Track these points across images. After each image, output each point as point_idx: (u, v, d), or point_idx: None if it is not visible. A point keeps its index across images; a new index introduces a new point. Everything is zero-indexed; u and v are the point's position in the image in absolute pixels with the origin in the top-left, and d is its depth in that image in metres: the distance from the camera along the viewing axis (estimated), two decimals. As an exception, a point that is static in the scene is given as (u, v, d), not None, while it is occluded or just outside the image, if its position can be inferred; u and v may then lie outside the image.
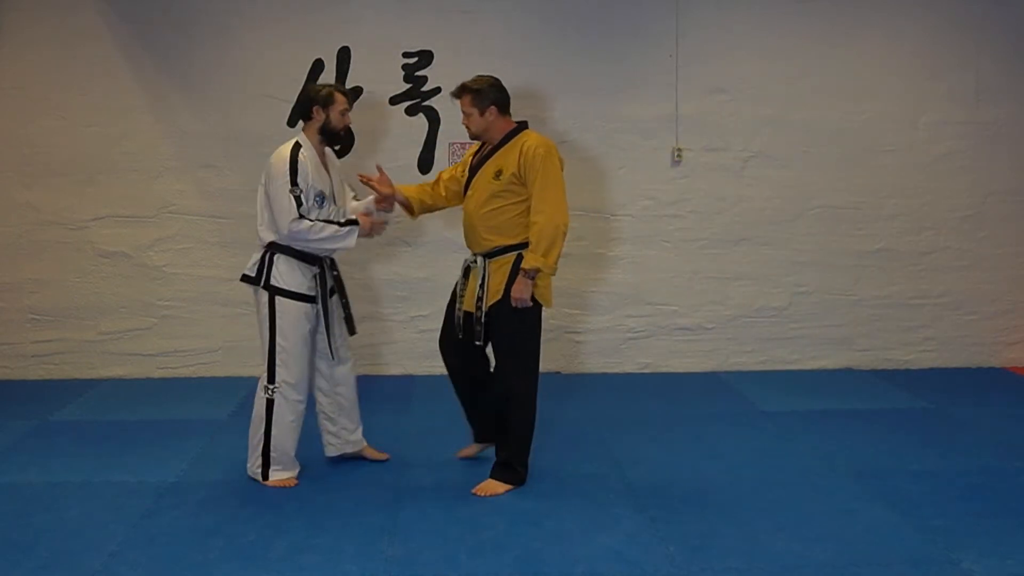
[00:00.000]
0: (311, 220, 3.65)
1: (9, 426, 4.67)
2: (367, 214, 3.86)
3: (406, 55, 5.56)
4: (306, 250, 3.74)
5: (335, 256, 3.89)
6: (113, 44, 5.50)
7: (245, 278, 3.80)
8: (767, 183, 5.77)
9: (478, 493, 3.69)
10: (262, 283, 3.74)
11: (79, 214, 5.59)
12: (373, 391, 5.28)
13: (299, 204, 3.63)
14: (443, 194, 3.93)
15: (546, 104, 5.64)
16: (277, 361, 3.75)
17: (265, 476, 3.82)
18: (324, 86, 3.84)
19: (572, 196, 5.60)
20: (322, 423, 4.04)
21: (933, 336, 5.95)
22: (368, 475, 3.96)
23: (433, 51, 5.57)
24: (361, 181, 3.85)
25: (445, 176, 3.95)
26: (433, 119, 5.58)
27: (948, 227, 5.87)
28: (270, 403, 3.77)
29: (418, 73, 5.58)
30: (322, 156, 3.83)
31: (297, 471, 3.88)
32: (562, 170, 3.73)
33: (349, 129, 3.97)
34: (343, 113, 3.79)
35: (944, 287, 5.91)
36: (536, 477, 3.84)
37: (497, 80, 3.74)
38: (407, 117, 5.58)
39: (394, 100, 5.57)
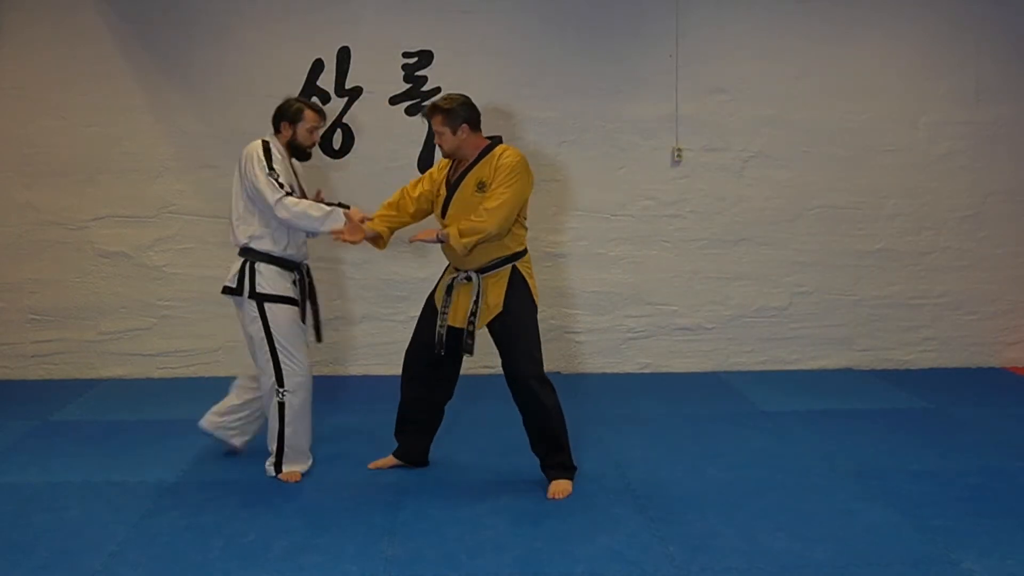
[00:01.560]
0: (295, 197, 3.71)
1: (9, 426, 4.67)
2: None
3: (406, 55, 5.56)
4: (286, 255, 3.81)
5: (309, 263, 3.98)
6: (113, 44, 5.50)
7: (227, 290, 3.81)
8: (767, 183, 5.77)
9: (557, 496, 3.68)
10: (247, 293, 3.76)
11: (79, 214, 5.59)
12: (372, 391, 5.28)
13: (280, 186, 3.68)
14: (411, 211, 3.86)
15: (546, 104, 5.63)
16: (282, 363, 3.79)
17: (278, 470, 3.90)
18: (296, 102, 3.85)
19: (572, 196, 5.67)
20: (235, 415, 4.09)
21: (933, 336, 5.95)
22: (368, 475, 3.97)
23: (433, 51, 5.57)
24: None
25: (414, 193, 3.84)
26: (433, 119, 5.58)
27: (948, 227, 5.87)
28: (281, 406, 3.83)
29: (418, 73, 5.58)
30: (290, 165, 3.89)
31: (308, 464, 3.95)
32: (531, 186, 3.75)
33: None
34: (311, 131, 3.83)
35: (944, 287, 5.91)
36: (536, 477, 3.84)
37: (468, 98, 3.72)
38: (407, 117, 5.58)
39: (394, 100, 5.57)
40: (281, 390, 3.81)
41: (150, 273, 5.66)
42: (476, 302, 3.71)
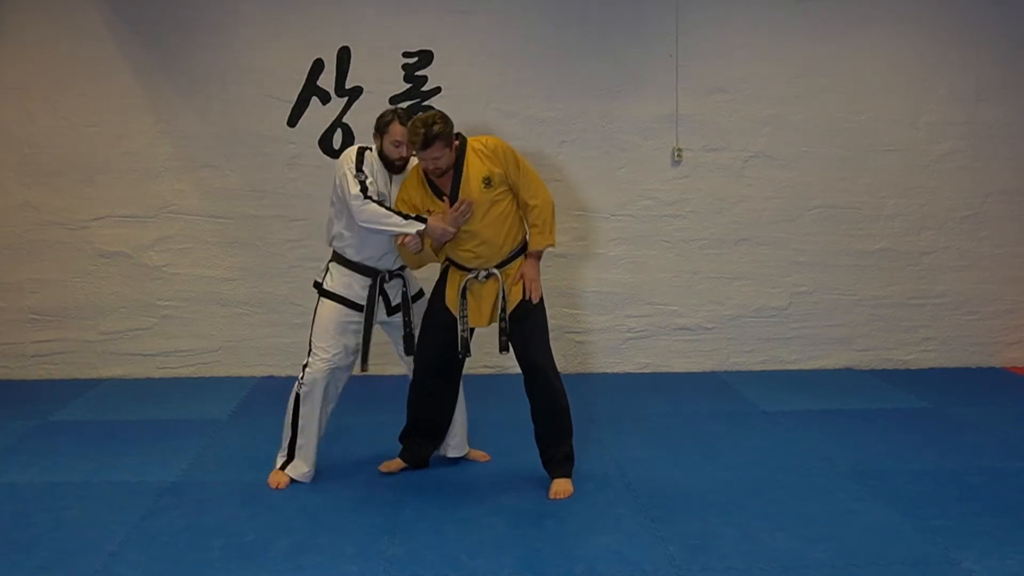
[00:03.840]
0: (377, 202, 3.65)
1: (9, 426, 4.67)
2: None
3: (406, 55, 5.57)
4: (369, 262, 3.79)
5: (407, 275, 3.94)
6: (113, 44, 5.50)
7: (315, 284, 3.90)
8: (767, 183, 5.77)
9: (559, 497, 3.67)
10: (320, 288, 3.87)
11: (79, 214, 5.59)
12: (373, 391, 5.28)
13: (364, 188, 3.64)
14: None
15: (546, 104, 5.64)
16: (309, 358, 3.81)
17: (283, 467, 3.87)
18: (391, 112, 3.73)
19: (572, 196, 5.68)
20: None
21: (933, 336, 5.95)
22: (368, 475, 3.97)
23: (433, 51, 5.57)
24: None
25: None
26: (433, 119, 5.58)
27: (948, 227, 5.87)
28: (297, 398, 3.82)
29: (418, 73, 5.58)
30: (387, 175, 3.81)
31: (306, 472, 3.87)
32: None
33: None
34: (396, 145, 3.69)
35: (944, 287, 5.91)
36: (536, 477, 3.84)
37: (443, 112, 3.59)
38: (407, 117, 5.58)
39: (394, 100, 5.56)
40: (300, 381, 3.81)
41: (150, 273, 5.66)
42: (504, 298, 3.70)
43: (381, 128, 3.74)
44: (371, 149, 3.79)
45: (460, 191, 3.63)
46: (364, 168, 3.69)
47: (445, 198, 3.65)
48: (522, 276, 3.72)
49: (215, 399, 5.19)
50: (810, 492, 3.75)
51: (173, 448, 4.31)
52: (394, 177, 3.85)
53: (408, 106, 5.56)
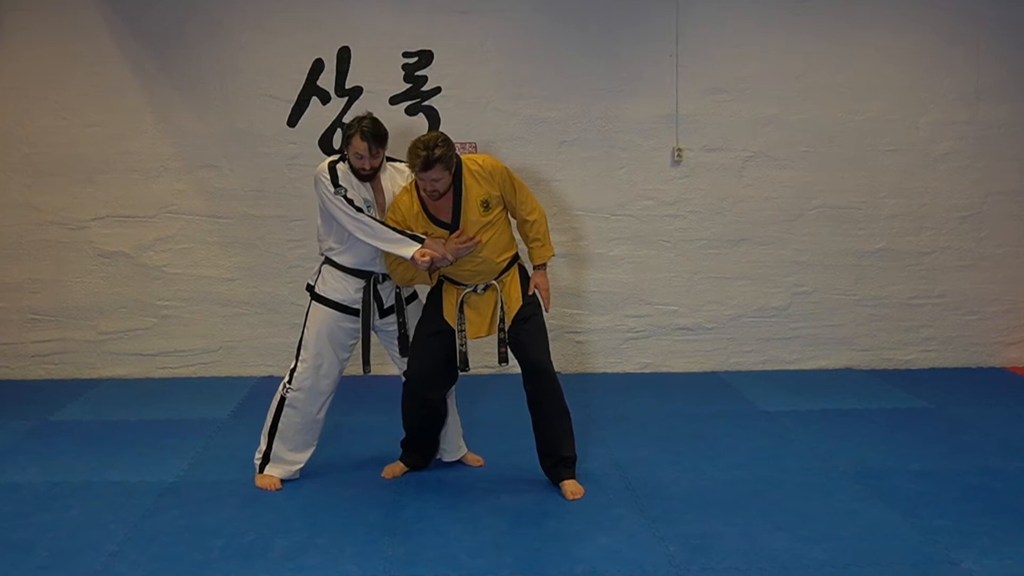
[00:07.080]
0: (372, 217, 3.64)
1: (9, 426, 4.67)
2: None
3: (406, 55, 5.57)
4: (362, 267, 3.76)
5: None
6: (113, 44, 5.50)
7: (308, 287, 3.88)
8: (767, 183, 5.77)
9: (576, 497, 3.67)
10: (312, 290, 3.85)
11: (79, 214, 5.59)
12: (373, 391, 5.28)
13: (349, 202, 3.63)
14: None
15: (546, 104, 5.64)
16: (300, 360, 3.79)
17: (261, 469, 3.85)
18: (355, 122, 3.66)
19: (572, 196, 5.68)
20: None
21: (933, 336, 5.95)
22: (368, 475, 3.97)
23: (433, 51, 5.57)
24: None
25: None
26: (433, 119, 5.58)
27: (948, 227, 5.87)
28: (282, 401, 3.81)
29: (418, 73, 5.58)
30: (374, 183, 3.77)
31: (294, 469, 3.86)
32: None
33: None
34: (358, 158, 3.65)
35: (944, 287, 5.91)
36: (535, 477, 3.84)
37: (445, 134, 3.56)
38: (407, 117, 5.58)
39: (394, 100, 5.57)
40: (288, 385, 3.79)
41: (150, 273, 5.66)
42: (502, 308, 3.72)
43: (345, 141, 3.71)
44: (344, 158, 3.76)
45: (461, 215, 3.63)
46: (340, 182, 3.66)
47: (449, 236, 3.63)
48: (536, 287, 3.77)
49: (215, 399, 5.19)
50: (810, 492, 3.75)
51: (173, 448, 4.31)
52: (386, 187, 3.80)
53: (408, 106, 5.58)
